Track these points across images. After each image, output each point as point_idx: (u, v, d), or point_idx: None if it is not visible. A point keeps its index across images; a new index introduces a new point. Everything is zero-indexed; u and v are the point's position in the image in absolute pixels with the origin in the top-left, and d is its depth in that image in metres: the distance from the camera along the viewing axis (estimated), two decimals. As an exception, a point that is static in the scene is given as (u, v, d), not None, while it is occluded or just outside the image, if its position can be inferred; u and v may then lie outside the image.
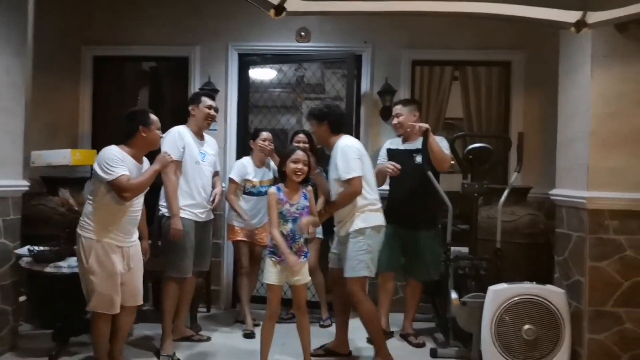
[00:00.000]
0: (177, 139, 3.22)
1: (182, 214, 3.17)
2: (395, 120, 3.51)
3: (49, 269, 3.02)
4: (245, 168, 3.74)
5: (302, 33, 4.30)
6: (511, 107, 4.35)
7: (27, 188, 3.28)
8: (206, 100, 3.37)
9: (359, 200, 2.93)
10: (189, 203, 3.22)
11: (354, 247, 2.91)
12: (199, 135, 3.37)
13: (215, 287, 4.27)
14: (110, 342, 2.83)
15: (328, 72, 5.76)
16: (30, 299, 3.59)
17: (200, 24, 4.28)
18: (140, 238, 2.90)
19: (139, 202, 2.80)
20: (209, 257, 3.49)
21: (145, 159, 2.91)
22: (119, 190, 2.64)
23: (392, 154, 3.52)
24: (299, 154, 2.81)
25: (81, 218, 2.73)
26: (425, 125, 3.27)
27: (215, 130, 4.26)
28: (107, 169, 2.64)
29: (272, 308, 2.83)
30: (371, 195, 2.98)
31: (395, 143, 3.59)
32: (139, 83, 4.71)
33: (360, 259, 2.90)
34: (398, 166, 3.35)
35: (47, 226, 3.49)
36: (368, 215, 2.94)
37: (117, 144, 2.78)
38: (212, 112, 3.37)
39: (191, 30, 4.29)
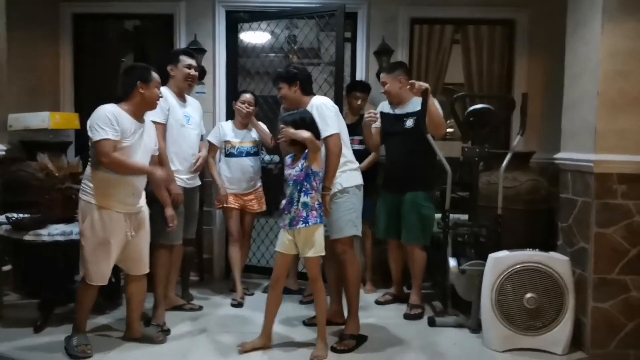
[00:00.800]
0: (161, 101, 2.98)
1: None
2: (382, 89, 3.41)
3: (28, 237, 2.88)
4: (222, 129, 3.62)
5: (295, -12, 4.07)
6: (514, 69, 4.19)
7: (4, 152, 3.13)
8: (185, 59, 3.15)
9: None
10: (175, 169, 3.08)
11: (340, 207, 2.82)
12: (181, 97, 3.19)
13: (208, 255, 4.18)
14: (127, 311, 2.84)
15: (322, 35, 5.53)
16: (15, 268, 3.48)
17: (185, -22, 4.04)
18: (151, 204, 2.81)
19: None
20: (195, 225, 3.36)
21: (148, 122, 2.75)
22: (99, 154, 2.49)
23: (385, 118, 3.43)
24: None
25: (82, 180, 2.64)
26: (424, 85, 3.10)
27: (204, 93, 4.11)
28: (94, 128, 2.50)
29: (274, 275, 2.73)
30: (348, 153, 2.93)
31: (387, 107, 3.48)
32: (122, 43, 4.49)
33: (347, 219, 2.83)
34: (375, 111, 3.36)
35: (27, 192, 3.33)
36: (349, 175, 2.88)
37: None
38: (192, 71, 3.16)
39: (176, -16, 4.05)
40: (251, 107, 3.58)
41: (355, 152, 3.06)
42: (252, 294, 3.71)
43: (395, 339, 2.96)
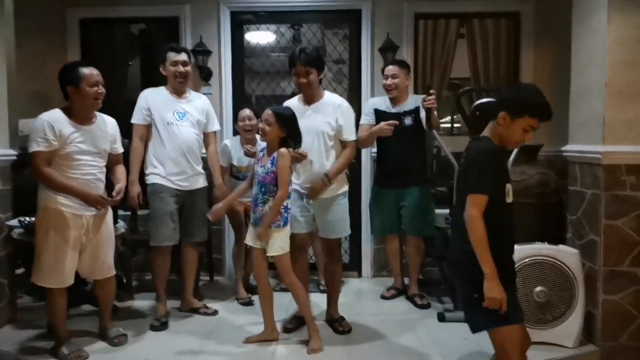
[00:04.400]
0: (140, 102, 3.09)
1: (157, 180, 3.06)
2: (390, 81, 3.39)
3: (41, 240, 2.92)
4: (228, 151, 3.57)
5: (298, -12, 4.08)
6: (520, 62, 4.15)
7: (14, 157, 3.16)
8: (170, 56, 3.09)
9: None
10: (162, 169, 3.05)
11: (342, 207, 2.95)
12: (179, 94, 3.14)
13: (217, 255, 4.20)
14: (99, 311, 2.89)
15: (329, 33, 5.52)
16: (28, 271, 3.53)
17: (188, -20, 4.07)
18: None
19: (88, 167, 2.61)
20: (203, 228, 3.30)
21: (109, 120, 2.76)
22: (31, 167, 2.52)
23: (381, 116, 3.40)
24: (264, 113, 2.65)
25: None
26: (433, 105, 3.17)
27: (210, 94, 4.12)
28: (30, 139, 2.52)
29: (254, 269, 2.88)
30: None
31: (381, 104, 3.46)
32: (129, 47, 4.52)
33: (347, 219, 2.99)
34: (396, 122, 3.23)
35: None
36: (345, 176, 3.01)
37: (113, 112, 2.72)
38: (179, 68, 3.08)
39: (180, -13, 4.08)
40: (252, 122, 3.49)
41: None
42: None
43: (406, 334, 2.97)
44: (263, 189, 2.66)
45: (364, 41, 4.10)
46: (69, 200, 2.58)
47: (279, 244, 2.67)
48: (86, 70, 2.59)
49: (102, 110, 2.82)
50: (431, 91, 3.18)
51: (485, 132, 2.00)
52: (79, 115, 2.62)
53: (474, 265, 1.84)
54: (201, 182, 3.24)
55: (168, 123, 3.06)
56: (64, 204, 2.57)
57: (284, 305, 3.18)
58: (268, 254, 2.71)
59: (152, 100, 3.08)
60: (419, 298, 3.48)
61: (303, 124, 2.76)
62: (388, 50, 3.99)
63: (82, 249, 2.66)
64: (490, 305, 1.82)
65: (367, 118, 3.45)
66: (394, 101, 3.41)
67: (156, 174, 3.08)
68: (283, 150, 2.63)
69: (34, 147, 2.50)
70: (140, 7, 4.12)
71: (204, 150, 3.32)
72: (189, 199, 3.17)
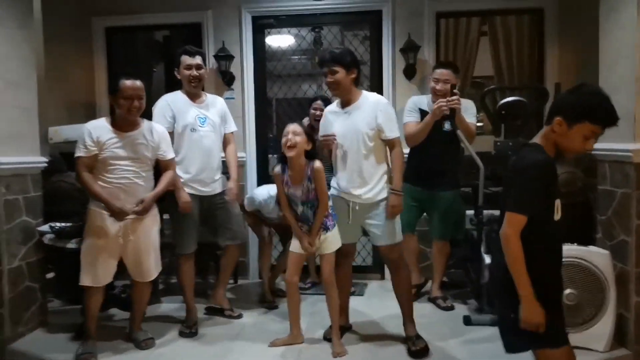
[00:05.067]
0: (164, 109, 3.04)
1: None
2: (441, 86, 3.24)
3: (71, 244, 3.01)
4: (257, 199, 3.49)
5: (318, -10, 4.08)
6: (545, 59, 4.07)
7: (45, 164, 3.25)
8: (184, 59, 3.05)
9: (385, 164, 2.79)
10: (185, 177, 3.03)
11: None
12: (196, 98, 3.12)
13: (242, 258, 4.22)
14: (130, 313, 2.95)
15: (349, 35, 5.52)
16: (58, 275, 3.61)
17: (210, -13, 4.12)
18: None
19: (123, 172, 2.69)
20: (240, 227, 3.32)
21: (156, 128, 2.84)
22: (75, 170, 2.73)
23: (424, 116, 3.30)
24: (289, 126, 2.68)
25: None
26: (457, 106, 3.09)
27: (233, 98, 4.17)
28: (76, 145, 2.69)
29: (289, 273, 2.82)
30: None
31: (424, 104, 3.38)
32: (153, 53, 4.60)
33: (396, 222, 2.78)
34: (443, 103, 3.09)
35: (68, 202, 3.44)
36: (387, 179, 2.82)
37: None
38: (192, 72, 3.02)
39: (202, -6, 4.14)
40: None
41: None
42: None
43: (433, 337, 2.91)
44: (310, 206, 2.73)
45: (385, 42, 4.08)
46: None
47: (329, 246, 2.76)
48: (126, 82, 2.69)
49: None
50: (455, 91, 3.10)
51: (537, 139, 1.78)
52: (120, 123, 2.74)
53: (512, 282, 1.69)
54: (223, 186, 3.25)
55: (192, 129, 3.05)
56: (102, 206, 2.68)
57: (306, 310, 3.19)
58: (324, 253, 2.76)
59: (175, 106, 3.06)
60: (442, 300, 3.45)
61: (340, 126, 2.71)
62: (410, 51, 3.96)
63: (123, 252, 2.75)
64: (527, 328, 1.67)
65: (413, 115, 3.34)
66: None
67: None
68: (317, 165, 2.69)
69: (77, 153, 2.69)
70: (163, 14, 4.19)
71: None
72: (216, 203, 3.17)
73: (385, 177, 2.76)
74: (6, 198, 2.94)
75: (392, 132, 2.71)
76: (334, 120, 2.77)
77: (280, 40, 4.77)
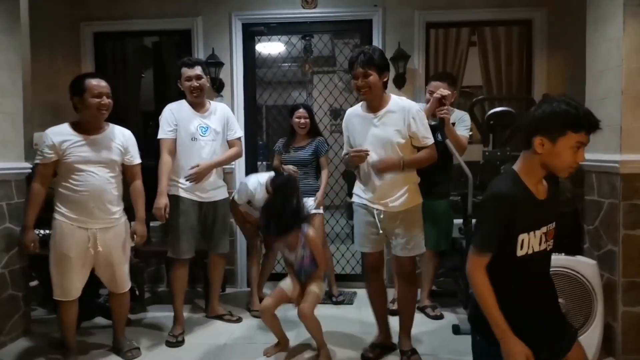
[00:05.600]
0: (167, 118, 3.09)
1: (180, 192, 3.08)
2: (432, 95, 3.18)
3: (55, 253, 2.94)
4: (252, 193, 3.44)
5: (308, -2, 4.09)
6: (533, 70, 4.10)
7: (30, 170, 3.19)
8: (184, 72, 3.11)
9: (414, 171, 2.67)
10: (186, 184, 3.07)
11: (415, 222, 2.66)
12: (199, 107, 3.16)
13: (230, 266, 4.19)
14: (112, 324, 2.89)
15: (339, 43, 5.53)
16: (42, 283, 3.56)
17: (200, -7, 4.11)
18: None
19: (92, 178, 2.60)
20: (224, 239, 3.31)
21: (121, 131, 2.78)
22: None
23: None
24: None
25: None
26: (446, 116, 3.04)
27: (222, 105, 4.13)
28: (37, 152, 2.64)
29: (267, 304, 2.82)
30: None
31: None
32: (142, 59, 4.57)
33: (421, 235, 2.69)
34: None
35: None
36: (418, 189, 2.70)
37: (126, 123, 2.80)
38: (193, 83, 3.08)
39: (192, 0, 4.12)
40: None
41: None
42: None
43: (421, 346, 2.91)
44: (305, 273, 2.81)
45: (375, 51, 4.09)
46: (72, 213, 2.60)
47: (322, 286, 2.83)
48: (92, 81, 2.62)
49: (115, 121, 2.86)
50: (444, 101, 3.07)
51: (516, 165, 1.63)
52: (85, 126, 2.65)
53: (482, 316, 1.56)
54: (224, 194, 3.28)
55: (193, 138, 3.08)
56: (67, 216, 2.60)
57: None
58: (313, 289, 2.78)
59: (178, 115, 3.10)
60: (431, 309, 3.44)
61: (369, 134, 2.59)
62: (400, 60, 3.97)
63: (95, 262, 2.68)
64: None
65: None
66: (431, 115, 3.16)
67: (179, 187, 3.08)
68: (311, 234, 2.78)
69: (35, 161, 2.64)
70: (153, 20, 4.16)
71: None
72: (211, 211, 3.20)
73: (413, 186, 2.66)
74: (-11, 204, 2.89)
75: (428, 138, 2.59)
76: (361, 126, 2.62)
77: (270, 47, 4.76)
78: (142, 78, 4.59)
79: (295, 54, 4.90)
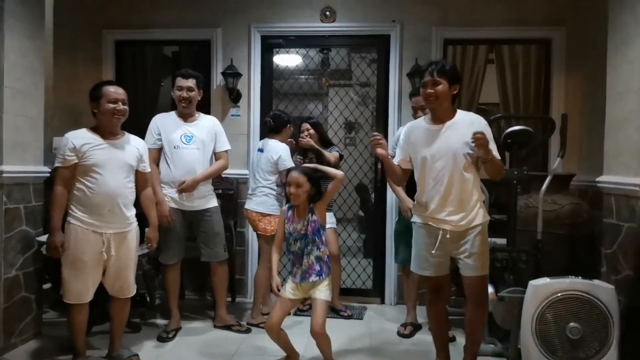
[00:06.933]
0: (151, 128, 3.24)
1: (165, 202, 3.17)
2: (419, 113, 3.18)
3: (69, 256, 2.96)
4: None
5: (327, 13, 4.12)
6: (551, 89, 4.08)
7: (48, 174, 3.23)
8: (178, 81, 3.23)
9: (480, 187, 2.58)
10: (169, 191, 3.20)
11: (484, 241, 2.53)
12: (187, 117, 3.27)
13: (240, 276, 4.19)
14: (110, 330, 2.87)
15: (356, 57, 5.56)
16: (54, 286, 3.57)
17: (221, 5, 4.16)
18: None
19: (109, 180, 2.63)
20: (219, 247, 3.32)
21: (136, 140, 2.84)
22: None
23: None
24: (291, 176, 2.69)
25: None
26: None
27: (238, 115, 4.18)
28: (56, 156, 2.66)
29: (273, 318, 2.70)
30: None
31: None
32: (161, 68, 4.62)
33: (487, 252, 2.57)
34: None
35: (69, 213, 3.44)
36: (484, 206, 2.60)
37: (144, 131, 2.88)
38: (183, 93, 3.20)
39: (212, 12, 4.18)
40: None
41: None
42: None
43: (414, 357, 2.87)
44: (305, 241, 2.69)
45: (392, 66, 4.10)
46: (88, 218, 2.63)
47: (328, 291, 2.69)
48: (110, 88, 2.70)
49: (132, 129, 2.91)
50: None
51: None
52: (102, 131, 2.72)
53: None
54: (212, 203, 3.32)
55: (175, 147, 3.20)
56: (83, 220, 2.63)
57: (305, 330, 3.11)
58: (322, 298, 2.67)
59: (162, 124, 3.24)
60: (409, 326, 3.40)
61: (432, 143, 2.49)
62: (416, 75, 3.97)
63: (105, 266, 2.70)
64: None
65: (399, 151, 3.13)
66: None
67: (164, 195, 3.18)
68: (318, 203, 2.73)
69: (55, 164, 2.66)
70: (174, 30, 4.21)
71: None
72: (199, 220, 3.26)
73: (480, 203, 2.53)
74: (7, 207, 2.92)
75: (497, 153, 2.50)
76: (425, 137, 2.53)
77: (288, 59, 4.80)
78: (161, 87, 4.63)
79: (312, 66, 4.92)
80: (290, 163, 3.39)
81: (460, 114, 2.55)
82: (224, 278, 3.41)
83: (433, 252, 2.53)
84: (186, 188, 3.16)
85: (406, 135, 2.64)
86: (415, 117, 3.23)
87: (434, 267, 2.57)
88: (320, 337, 2.66)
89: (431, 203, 2.52)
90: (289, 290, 2.72)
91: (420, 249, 2.59)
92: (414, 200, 2.71)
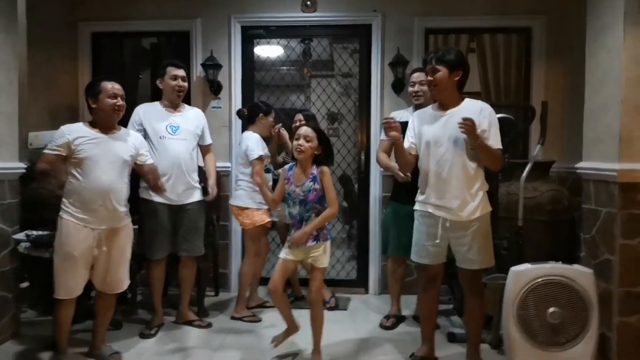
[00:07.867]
0: (133, 119, 3.17)
1: (153, 197, 3.09)
2: (417, 87, 3.22)
3: (48, 254, 2.91)
4: (262, 141, 3.43)
5: (308, 2, 4.09)
6: (532, 78, 4.11)
7: (23, 170, 3.17)
8: (171, 70, 3.17)
9: (483, 179, 2.55)
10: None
11: (484, 233, 2.53)
12: (173, 108, 3.22)
13: (223, 270, 4.16)
14: (93, 327, 2.84)
15: (338, 47, 5.53)
16: (33, 285, 3.52)
17: (200, -5, 4.10)
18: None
19: (102, 174, 2.61)
20: (198, 241, 3.29)
21: (133, 134, 2.86)
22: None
23: None
24: (301, 130, 2.66)
25: None
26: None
27: (219, 107, 4.13)
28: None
29: (274, 281, 2.69)
30: None
31: (405, 118, 3.24)
32: (140, 60, 4.55)
33: (490, 247, 2.56)
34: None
35: (47, 210, 3.35)
36: (487, 198, 2.56)
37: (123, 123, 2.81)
38: (179, 82, 3.16)
39: (191, 2, 4.12)
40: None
41: None
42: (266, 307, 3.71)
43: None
44: (307, 207, 2.65)
45: (374, 56, 4.09)
46: (81, 213, 2.60)
47: (327, 257, 2.68)
48: (107, 84, 2.69)
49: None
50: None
51: None
52: (99, 126, 2.70)
53: None
54: (196, 196, 3.25)
55: (160, 137, 3.13)
56: (76, 216, 2.60)
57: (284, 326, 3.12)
58: (318, 266, 2.66)
59: (146, 115, 3.17)
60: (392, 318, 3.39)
61: (435, 129, 2.50)
62: (398, 65, 3.97)
63: (95, 262, 2.66)
64: None
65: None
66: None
67: (148, 189, 3.09)
68: (325, 168, 2.67)
69: (45, 151, 2.63)
70: (151, 21, 4.14)
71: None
72: (183, 213, 3.20)
73: (482, 193, 2.51)
74: (-19, 204, 2.85)
75: (497, 143, 2.48)
76: (431, 122, 2.53)
77: (269, 50, 4.75)
78: (139, 79, 4.56)
79: (294, 57, 4.88)
80: (258, 153, 3.28)
81: (467, 101, 2.55)
82: (193, 273, 3.36)
83: (433, 241, 2.54)
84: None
85: (413, 121, 2.67)
86: (411, 90, 3.27)
87: (432, 256, 2.59)
88: (316, 305, 2.67)
89: (432, 191, 2.53)
90: (286, 252, 2.72)
91: (420, 237, 2.61)
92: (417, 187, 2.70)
